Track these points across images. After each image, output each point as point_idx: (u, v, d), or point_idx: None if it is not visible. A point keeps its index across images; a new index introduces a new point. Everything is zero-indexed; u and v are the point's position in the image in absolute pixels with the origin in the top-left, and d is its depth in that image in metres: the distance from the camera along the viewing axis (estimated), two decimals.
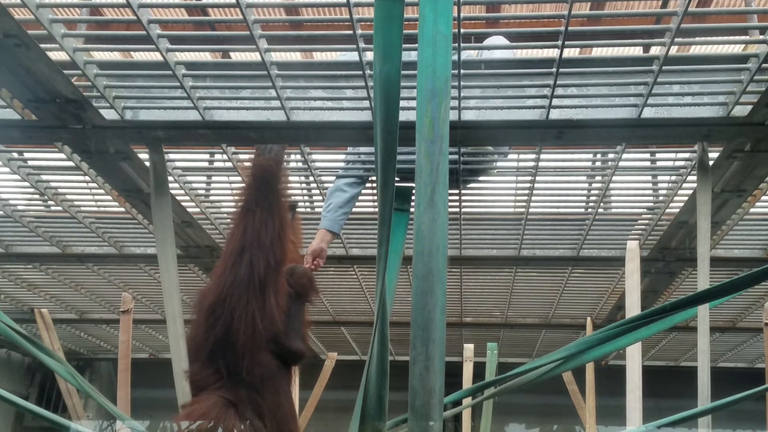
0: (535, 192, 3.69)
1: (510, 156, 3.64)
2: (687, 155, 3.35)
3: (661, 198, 3.80)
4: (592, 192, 3.84)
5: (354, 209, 4.17)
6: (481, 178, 3.83)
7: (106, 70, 2.66)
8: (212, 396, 2.09)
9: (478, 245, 4.50)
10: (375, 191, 3.73)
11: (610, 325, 1.77)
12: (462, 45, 2.43)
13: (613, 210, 4.22)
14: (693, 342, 6.22)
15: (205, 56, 4.48)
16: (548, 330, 6.59)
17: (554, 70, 2.52)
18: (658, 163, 3.73)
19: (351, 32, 2.36)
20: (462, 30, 2.44)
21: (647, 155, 3.69)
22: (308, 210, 4.33)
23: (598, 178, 3.69)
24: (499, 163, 3.67)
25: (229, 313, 2.12)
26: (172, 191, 3.22)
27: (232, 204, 2.41)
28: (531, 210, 3.93)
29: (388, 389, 1.42)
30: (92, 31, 3.59)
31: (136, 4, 2.28)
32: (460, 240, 4.32)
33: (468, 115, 2.72)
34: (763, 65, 2.45)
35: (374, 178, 3.21)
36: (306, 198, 4.29)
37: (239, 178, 3.31)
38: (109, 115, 2.77)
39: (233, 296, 2.12)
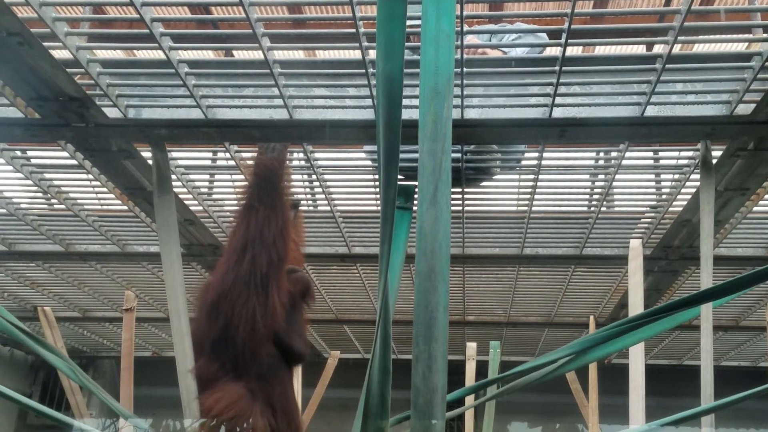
0: (537, 190, 3.69)
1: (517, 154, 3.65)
2: (690, 154, 3.34)
3: (664, 196, 3.80)
4: (595, 190, 3.84)
5: (356, 207, 4.17)
6: (494, 177, 3.84)
7: (109, 69, 2.66)
8: (235, 386, 2.11)
9: (480, 244, 4.50)
10: (378, 189, 3.73)
11: (613, 324, 1.77)
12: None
13: (616, 208, 4.21)
14: (696, 341, 6.23)
15: (208, 54, 4.48)
16: (551, 328, 6.58)
17: (557, 68, 2.52)
18: (661, 162, 3.73)
19: (354, 30, 2.36)
20: (465, 27, 2.44)
21: (650, 154, 3.69)
22: (311, 208, 4.33)
23: (601, 176, 3.69)
24: (516, 162, 3.68)
25: (231, 309, 2.13)
26: (174, 189, 3.22)
27: (235, 202, 2.42)
28: (534, 208, 3.92)
29: (391, 387, 1.42)
30: (95, 29, 3.59)
31: (139, 2, 2.28)
32: (462, 238, 4.32)
33: (470, 114, 2.72)
34: (767, 63, 2.45)
35: (377, 176, 3.21)
36: (308, 196, 4.29)
37: (242, 177, 3.31)
38: (112, 113, 2.77)
39: (235, 292, 2.14)
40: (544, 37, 3.41)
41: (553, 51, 2.58)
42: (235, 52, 4.69)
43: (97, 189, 3.90)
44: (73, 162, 3.36)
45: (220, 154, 3.69)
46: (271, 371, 2.23)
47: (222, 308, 2.14)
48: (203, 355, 2.22)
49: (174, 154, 3.42)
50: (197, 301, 2.31)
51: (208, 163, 3.87)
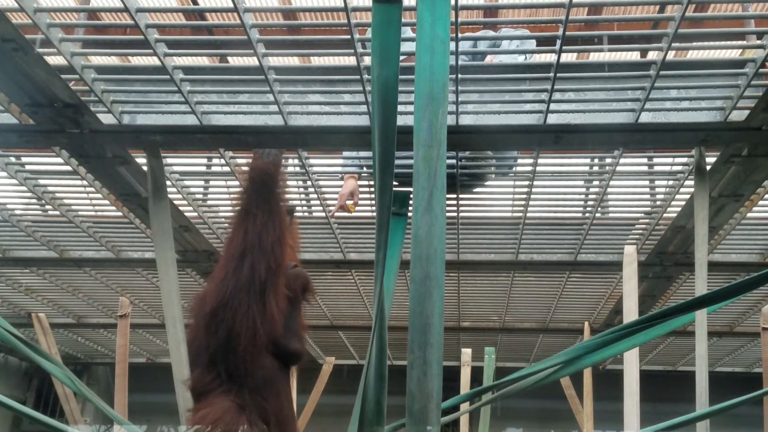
0: (532, 196, 3.69)
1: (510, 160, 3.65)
2: (684, 160, 3.35)
3: (658, 203, 3.81)
4: (590, 196, 3.85)
5: (351, 213, 4.17)
6: (487, 183, 3.85)
7: (103, 75, 2.66)
8: (223, 400, 2.08)
9: (475, 250, 4.50)
10: (373, 195, 3.73)
11: (608, 330, 1.77)
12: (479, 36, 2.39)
13: (611, 214, 4.22)
14: (691, 346, 6.23)
15: (203, 61, 4.49)
16: (546, 334, 6.59)
17: (552, 74, 2.53)
18: (656, 168, 3.73)
19: (349, 37, 2.36)
20: (459, 34, 2.44)
21: (645, 160, 3.70)
22: (306, 214, 4.32)
23: (596, 182, 3.70)
24: (508, 168, 3.68)
25: (231, 317, 2.11)
26: (169, 195, 3.22)
27: (230, 208, 2.42)
28: (528, 214, 3.93)
29: (386, 394, 1.42)
30: (90, 35, 3.59)
31: (134, 8, 2.28)
32: (457, 244, 4.32)
33: (465, 120, 2.73)
34: (761, 70, 2.46)
35: (372, 182, 3.21)
36: (304, 202, 4.28)
37: (237, 183, 3.31)
38: (106, 119, 2.77)
39: (234, 301, 2.11)
40: (529, 42, 3.43)
41: (548, 57, 2.59)
42: (230, 59, 4.70)
43: (91, 195, 3.89)
44: (68, 168, 3.35)
45: (215, 161, 3.69)
46: (267, 382, 2.21)
47: (221, 317, 2.11)
48: (198, 365, 2.19)
49: (169, 160, 3.42)
50: (193, 310, 2.28)
51: (203, 169, 3.86)
